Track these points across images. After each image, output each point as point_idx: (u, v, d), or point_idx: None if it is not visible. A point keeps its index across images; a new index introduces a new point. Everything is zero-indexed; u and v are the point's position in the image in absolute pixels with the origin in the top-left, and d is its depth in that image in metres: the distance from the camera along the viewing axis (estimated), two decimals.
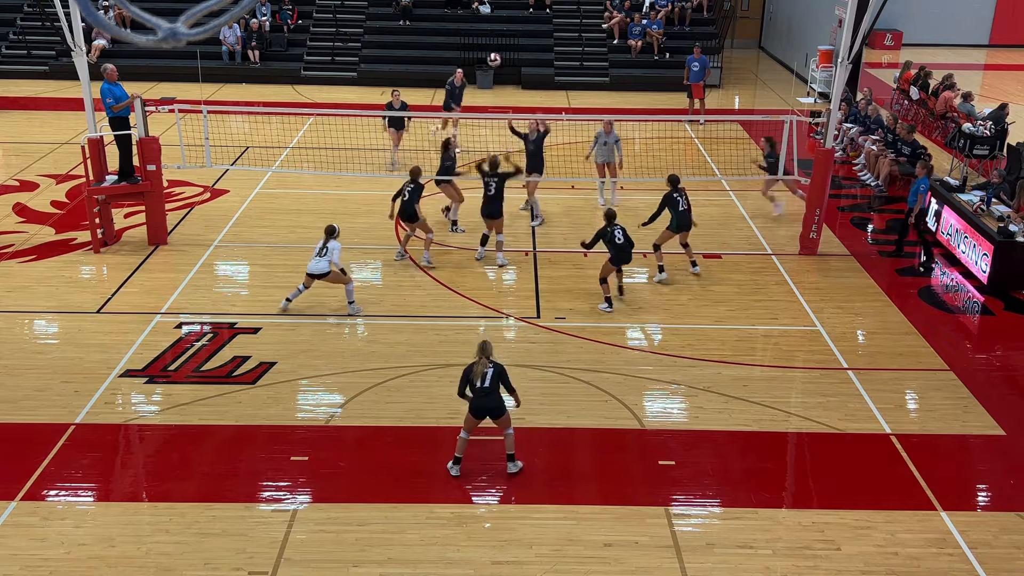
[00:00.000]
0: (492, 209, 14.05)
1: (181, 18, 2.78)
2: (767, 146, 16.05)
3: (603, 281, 12.86)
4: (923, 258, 14.76)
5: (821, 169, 14.49)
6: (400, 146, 18.53)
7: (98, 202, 14.41)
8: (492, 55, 18.57)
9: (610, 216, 12.79)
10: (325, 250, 12.35)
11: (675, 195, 13.72)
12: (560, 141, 20.12)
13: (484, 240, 14.40)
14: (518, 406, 9.52)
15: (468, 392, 9.11)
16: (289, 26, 27.77)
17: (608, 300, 12.79)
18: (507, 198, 14.34)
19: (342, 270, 12.66)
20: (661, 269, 13.74)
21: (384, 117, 18.37)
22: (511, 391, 9.25)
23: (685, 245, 13.94)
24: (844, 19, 14.53)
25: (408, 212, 13.77)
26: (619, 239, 12.62)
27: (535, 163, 15.72)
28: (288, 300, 12.57)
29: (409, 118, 18.34)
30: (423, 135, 20.43)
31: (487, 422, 9.13)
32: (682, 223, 13.76)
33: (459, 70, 20.20)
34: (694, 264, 14.01)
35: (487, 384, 9.00)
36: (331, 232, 12.51)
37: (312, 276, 12.37)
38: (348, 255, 14.46)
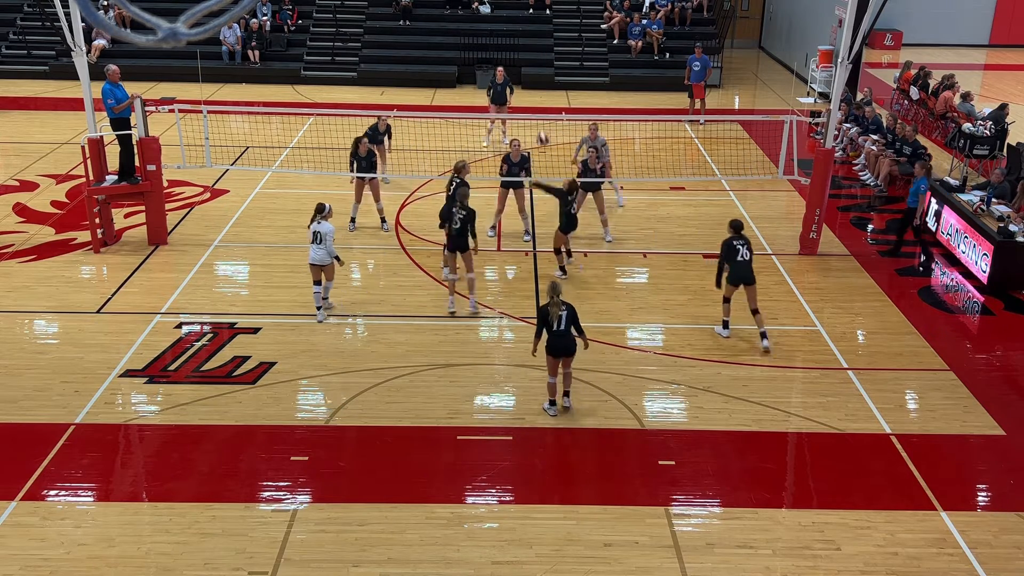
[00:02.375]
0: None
1: (181, 18, 2.78)
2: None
3: (558, 252, 13.65)
4: (923, 258, 14.77)
5: (821, 169, 14.48)
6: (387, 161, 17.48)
7: (98, 202, 14.41)
8: (542, 134, 16.69)
9: (572, 186, 13.33)
10: (319, 236, 11.92)
11: (735, 243, 11.72)
12: (560, 141, 20.12)
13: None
14: (586, 348, 10.33)
15: (544, 334, 10.08)
16: (289, 26, 27.78)
17: (563, 269, 13.67)
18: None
19: (337, 258, 12.17)
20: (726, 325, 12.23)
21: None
22: (580, 332, 10.11)
23: (755, 311, 11.84)
24: (844, 19, 14.53)
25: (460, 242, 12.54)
26: (574, 209, 13.42)
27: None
28: (322, 303, 12.33)
29: (390, 137, 17.12)
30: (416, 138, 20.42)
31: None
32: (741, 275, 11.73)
33: (499, 68, 20.11)
34: (763, 336, 11.83)
35: (563, 326, 9.92)
36: (320, 211, 11.95)
37: (314, 266, 12.09)
38: (349, 256, 14.47)
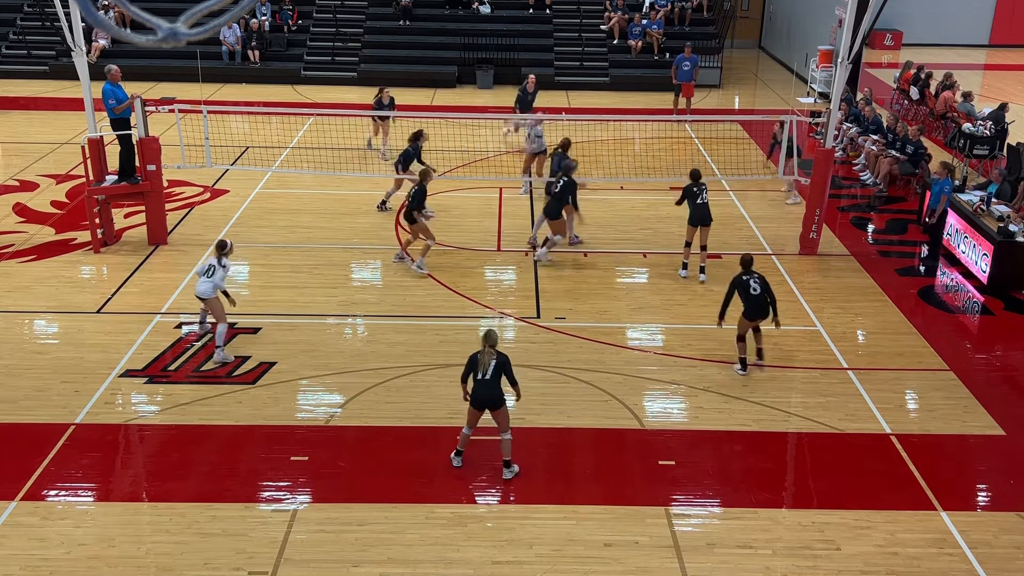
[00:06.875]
0: (551, 209, 13.84)
1: (181, 18, 2.78)
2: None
3: (740, 339, 11.20)
4: (925, 255, 14.90)
5: (821, 169, 14.48)
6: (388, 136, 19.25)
7: (98, 202, 14.41)
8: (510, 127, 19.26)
9: (746, 263, 11.17)
10: (212, 270, 11.13)
11: (694, 188, 13.56)
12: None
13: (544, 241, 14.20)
14: (518, 400, 9.35)
15: (470, 381, 9.00)
16: (289, 26, 27.78)
17: (743, 361, 11.19)
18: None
19: (225, 293, 11.36)
20: (684, 266, 13.83)
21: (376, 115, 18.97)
22: (513, 383, 9.12)
23: (703, 247, 13.61)
24: (844, 19, 14.53)
25: (407, 215, 13.73)
26: (755, 289, 10.97)
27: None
28: (202, 324, 11.88)
29: (392, 116, 18.92)
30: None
31: (488, 419, 9.13)
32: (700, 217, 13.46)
33: (531, 76, 20.27)
34: (702, 271, 13.70)
35: (488, 376, 8.89)
36: (222, 248, 11.28)
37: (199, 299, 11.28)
38: (348, 255, 14.48)
